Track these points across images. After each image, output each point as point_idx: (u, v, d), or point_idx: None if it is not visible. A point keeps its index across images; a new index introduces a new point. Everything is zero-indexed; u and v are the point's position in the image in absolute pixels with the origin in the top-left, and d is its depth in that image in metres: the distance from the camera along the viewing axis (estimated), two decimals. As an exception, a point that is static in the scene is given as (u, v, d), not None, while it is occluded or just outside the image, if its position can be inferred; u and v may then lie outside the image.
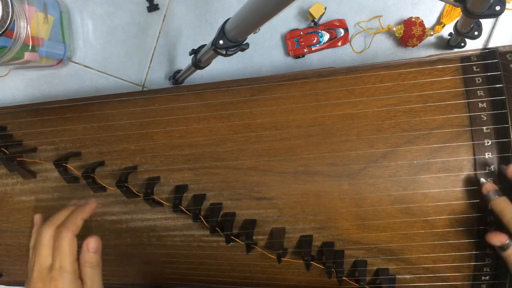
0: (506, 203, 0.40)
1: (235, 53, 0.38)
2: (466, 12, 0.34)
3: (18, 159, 0.53)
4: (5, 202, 0.56)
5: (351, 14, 0.55)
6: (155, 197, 0.50)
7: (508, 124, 0.42)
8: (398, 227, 0.46)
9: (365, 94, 0.46)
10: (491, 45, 0.53)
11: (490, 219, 0.44)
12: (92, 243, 0.42)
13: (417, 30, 0.51)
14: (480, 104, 0.44)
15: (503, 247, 0.40)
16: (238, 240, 0.48)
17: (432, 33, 0.52)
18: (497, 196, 0.41)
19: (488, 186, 0.42)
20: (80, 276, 0.41)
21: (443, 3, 0.53)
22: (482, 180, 0.43)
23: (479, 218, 0.44)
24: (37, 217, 0.46)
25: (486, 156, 0.43)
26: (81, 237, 0.42)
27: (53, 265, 0.40)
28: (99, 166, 0.52)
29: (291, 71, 0.53)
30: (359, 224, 0.46)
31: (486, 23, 0.52)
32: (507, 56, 0.44)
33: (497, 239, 0.40)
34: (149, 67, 0.60)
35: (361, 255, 0.47)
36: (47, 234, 0.41)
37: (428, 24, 0.53)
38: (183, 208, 0.48)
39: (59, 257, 0.40)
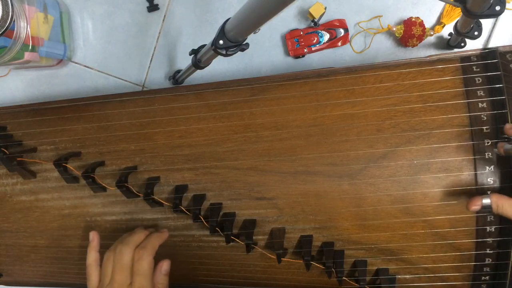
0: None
1: (235, 53, 0.38)
2: (466, 12, 0.34)
3: (18, 159, 0.53)
4: (5, 202, 0.56)
5: (351, 14, 0.55)
6: (155, 197, 0.50)
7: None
8: (398, 227, 0.46)
9: (365, 94, 0.46)
10: (491, 45, 0.53)
11: (490, 219, 0.44)
12: (165, 266, 0.46)
13: (417, 30, 0.51)
14: (480, 104, 0.44)
15: (486, 207, 0.40)
16: (238, 240, 0.48)
17: (432, 33, 0.52)
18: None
19: (501, 144, 0.40)
20: None
21: (443, 3, 0.53)
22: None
23: (479, 218, 0.44)
24: (94, 234, 0.48)
25: (486, 156, 0.43)
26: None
27: (133, 284, 0.43)
28: (99, 166, 0.52)
29: (291, 71, 0.53)
30: (359, 224, 0.46)
31: (486, 23, 0.52)
32: (507, 56, 0.44)
33: (473, 203, 0.40)
34: (149, 67, 0.60)
35: (361, 255, 0.47)
36: (129, 255, 0.44)
37: (428, 24, 0.53)
38: (183, 208, 0.48)
39: (139, 277, 0.43)
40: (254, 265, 0.50)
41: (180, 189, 0.49)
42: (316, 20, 0.54)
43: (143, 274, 0.43)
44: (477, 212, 0.42)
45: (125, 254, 0.44)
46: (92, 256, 0.46)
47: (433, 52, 0.54)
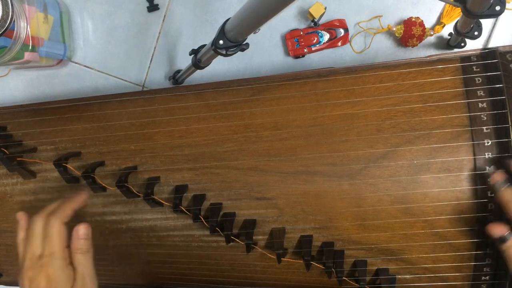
0: None
1: (235, 53, 0.38)
2: (466, 12, 0.34)
3: (18, 159, 0.53)
4: (5, 202, 0.56)
5: (351, 14, 0.55)
6: (155, 197, 0.50)
7: (508, 124, 0.42)
8: (398, 227, 0.46)
9: (365, 94, 0.46)
10: (491, 45, 0.53)
11: (490, 218, 0.44)
12: (82, 230, 0.43)
13: (417, 30, 0.51)
14: (480, 104, 0.44)
15: (503, 239, 0.40)
16: (238, 240, 0.48)
17: (432, 33, 0.52)
18: (504, 187, 0.40)
19: (497, 176, 0.41)
20: (71, 263, 0.42)
21: (443, 3, 0.53)
22: (491, 169, 0.42)
23: (479, 218, 0.44)
24: (21, 214, 0.47)
25: (486, 156, 0.43)
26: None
27: (43, 252, 0.41)
28: (99, 166, 0.52)
29: (291, 71, 0.53)
30: (359, 224, 0.46)
31: (486, 23, 0.52)
32: (507, 56, 0.44)
33: (497, 229, 0.40)
34: (149, 67, 0.60)
35: (361, 255, 0.47)
36: (38, 224, 0.42)
37: (428, 24, 0.53)
38: (183, 208, 0.48)
39: (49, 244, 0.41)
40: (254, 265, 0.50)
41: (180, 189, 0.49)
42: (316, 20, 0.54)
43: (52, 239, 0.41)
44: (491, 235, 0.41)
45: (35, 223, 0.42)
46: (21, 235, 0.45)
47: (433, 52, 0.54)
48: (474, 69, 0.45)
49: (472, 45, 0.52)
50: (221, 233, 0.48)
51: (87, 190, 0.49)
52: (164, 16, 0.59)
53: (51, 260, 0.41)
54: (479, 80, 0.44)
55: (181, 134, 0.50)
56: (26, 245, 0.42)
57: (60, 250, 0.42)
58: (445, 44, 0.54)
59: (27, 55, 0.52)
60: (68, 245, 0.43)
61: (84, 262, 0.43)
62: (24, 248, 0.43)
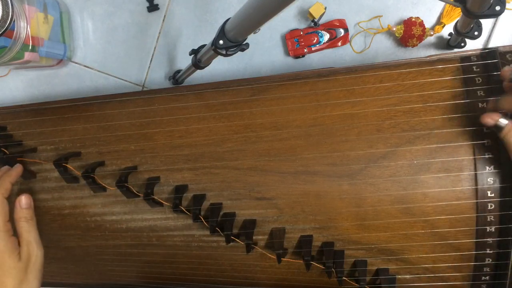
0: None
1: (235, 53, 0.38)
2: (466, 12, 0.34)
3: (18, 159, 0.53)
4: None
5: (351, 14, 0.55)
6: (155, 197, 0.50)
7: (508, 124, 0.42)
8: (398, 227, 0.46)
9: (365, 94, 0.46)
10: (491, 45, 0.53)
11: (490, 219, 0.44)
12: (24, 200, 0.47)
13: (417, 30, 0.51)
14: (480, 104, 0.44)
15: (498, 126, 0.39)
16: (238, 240, 0.48)
17: (432, 33, 0.52)
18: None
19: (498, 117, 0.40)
20: (15, 233, 0.45)
21: (443, 3, 0.53)
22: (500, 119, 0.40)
23: (479, 218, 0.44)
24: None
25: (486, 156, 0.43)
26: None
27: None
28: (99, 166, 0.52)
29: (291, 71, 0.53)
30: (359, 224, 0.46)
31: (486, 23, 0.52)
32: (507, 56, 0.44)
33: (490, 117, 0.40)
34: (149, 67, 0.60)
35: (361, 255, 0.47)
36: None
37: (428, 24, 0.53)
38: (183, 208, 0.48)
39: None
40: (254, 265, 0.50)
41: (180, 189, 0.49)
42: (316, 20, 0.54)
43: None
44: (486, 125, 0.40)
45: None
46: None
47: (433, 52, 0.54)
48: (474, 69, 0.45)
49: (472, 45, 0.52)
50: (221, 233, 0.48)
51: (20, 164, 0.51)
52: (164, 16, 0.59)
53: None
54: (479, 80, 0.44)
55: (181, 134, 0.50)
56: None
57: (3, 223, 0.45)
58: (445, 44, 0.54)
59: (27, 55, 0.52)
60: (10, 218, 0.46)
61: (28, 228, 0.46)
62: None
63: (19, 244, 0.46)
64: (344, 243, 0.47)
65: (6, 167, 0.51)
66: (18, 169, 0.50)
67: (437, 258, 0.46)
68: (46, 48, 0.54)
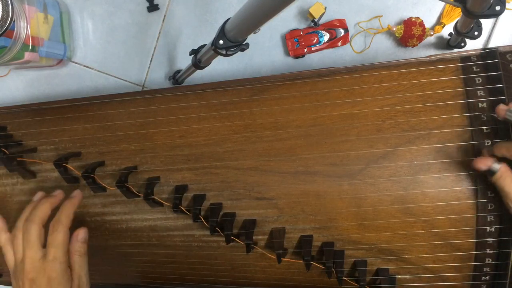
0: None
1: (235, 53, 0.38)
2: (466, 12, 0.34)
3: (18, 159, 0.53)
4: (5, 202, 0.56)
5: (351, 14, 0.55)
6: (155, 197, 0.50)
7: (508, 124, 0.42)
8: (398, 227, 0.46)
9: (365, 94, 0.46)
10: (491, 45, 0.53)
11: (490, 219, 0.44)
12: (82, 234, 0.47)
13: (417, 30, 0.51)
14: (480, 104, 0.44)
15: (491, 171, 0.40)
16: (238, 240, 0.48)
17: (432, 33, 0.52)
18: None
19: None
20: (69, 264, 0.46)
21: (443, 3, 0.53)
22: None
23: (479, 218, 0.44)
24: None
25: (486, 156, 0.43)
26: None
27: (47, 256, 0.44)
28: (99, 166, 0.52)
29: (291, 71, 0.53)
30: (359, 224, 0.46)
31: (486, 23, 0.52)
32: (507, 56, 0.44)
33: (483, 163, 0.40)
34: (149, 67, 0.60)
35: (361, 255, 0.47)
36: (36, 231, 0.45)
37: (428, 24, 0.53)
38: (183, 208, 0.48)
39: (54, 249, 0.44)
40: (254, 265, 0.50)
41: (180, 189, 0.49)
42: (316, 20, 0.53)
43: (58, 245, 0.44)
44: (478, 170, 0.41)
45: (32, 232, 0.45)
46: (3, 236, 0.47)
47: (433, 52, 0.54)
48: (474, 69, 0.45)
49: (472, 45, 0.52)
50: (221, 233, 0.48)
51: (79, 190, 0.51)
52: (164, 16, 0.59)
53: (55, 264, 0.44)
54: (479, 80, 0.44)
55: (181, 134, 0.50)
56: (24, 250, 0.45)
57: (64, 255, 0.45)
58: (445, 44, 0.54)
59: (27, 55, 0.52)
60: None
61: (81, 263, 0.47)
62: (19, 250, 0.46)
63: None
64: (344, 243, 0.47)
65: (41, 193, 0.50)
66: (79, 196, 0.49)
67: (437, 258, 0.46)
68: (46, 48, 0.54)
